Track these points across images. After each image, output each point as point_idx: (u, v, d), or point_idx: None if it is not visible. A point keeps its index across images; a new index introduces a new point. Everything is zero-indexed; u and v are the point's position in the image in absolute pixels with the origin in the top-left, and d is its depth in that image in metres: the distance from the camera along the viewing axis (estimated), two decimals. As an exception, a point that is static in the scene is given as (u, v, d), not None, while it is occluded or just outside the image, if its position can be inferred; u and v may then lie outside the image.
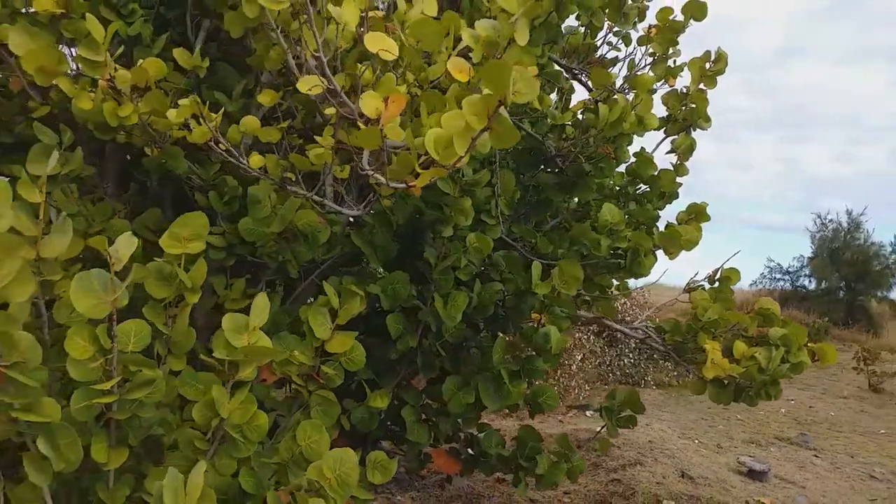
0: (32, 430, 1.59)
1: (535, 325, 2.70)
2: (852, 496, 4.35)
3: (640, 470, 3.90)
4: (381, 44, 1.62)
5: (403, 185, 1.57)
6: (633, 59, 3.15)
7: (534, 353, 2.73)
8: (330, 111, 1.92)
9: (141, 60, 2.10)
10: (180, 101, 2.01)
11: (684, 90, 3.35)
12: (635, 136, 3.04)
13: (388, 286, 2.60)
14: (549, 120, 3.06)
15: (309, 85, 1.65)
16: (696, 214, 3.23)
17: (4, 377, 1.53)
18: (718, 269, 3.27)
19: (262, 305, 1.67)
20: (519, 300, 2.79)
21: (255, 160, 1.97)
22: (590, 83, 3.13)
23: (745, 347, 2.71)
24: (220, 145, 2.01)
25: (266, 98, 2.22)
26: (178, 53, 2.27)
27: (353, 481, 1.74)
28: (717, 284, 3.17)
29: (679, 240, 2.82)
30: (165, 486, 1.40)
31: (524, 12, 1.59)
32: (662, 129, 3.34)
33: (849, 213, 19.66)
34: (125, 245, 1.56)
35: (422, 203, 2.64)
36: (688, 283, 3.27)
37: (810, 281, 20.37)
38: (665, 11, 3.18)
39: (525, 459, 3.03)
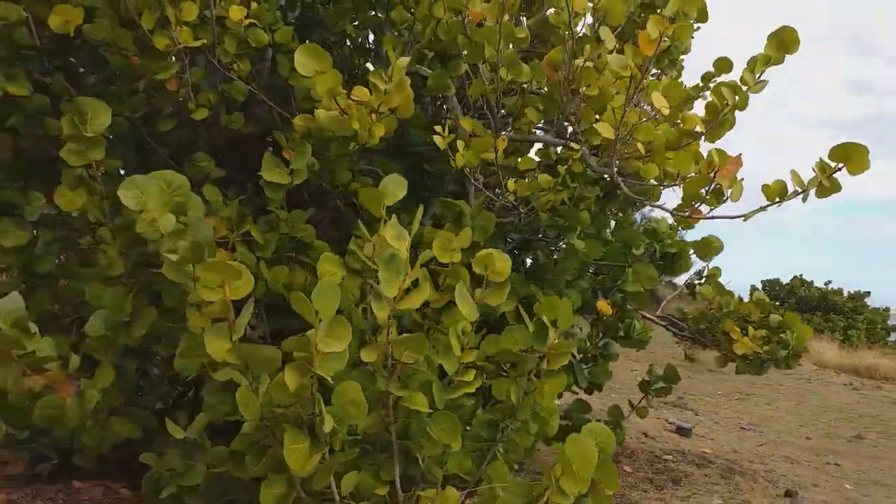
0: (410, 418, 1.83)
1: (616, 317, 3.27)
2: (743, 443, 5.55)
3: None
4: (662, 102, 2.08)
5: (689, 215, 2.04)
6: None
7: (610, 339, 3.31)
8: (576, 145, 2.31)
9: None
10: (437, 127, 2.26)
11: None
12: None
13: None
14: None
15: (608, 132, 2.05)
16: (683, 224, 4.01)
17: (400, 368, 1.77)
18: (705, 267, 4.09)
19: (565, 309, 2.04)
20: (594, 296, 3.34)
21: (510, 185, 2.29)
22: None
23: (752, 330, 3.54)
24: (467, 168, 2.29)
25: (467, 124, 2.51)
26: (375, 76, 2.45)
27: (611, 448, 2.18)
28: (705, 280, 3.98)
29: (712, 246, 3.55)
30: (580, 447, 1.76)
31: (752, 88, 2.16)
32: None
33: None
34: (502, 260, 1.85)
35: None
36: (687, 281, 4.05)
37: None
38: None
39: (577, 429, 3.59)
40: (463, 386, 1.86)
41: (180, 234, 2.00)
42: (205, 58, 2.63)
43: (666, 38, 3.00)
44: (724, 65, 3.45)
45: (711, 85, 3.67)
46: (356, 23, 3.12)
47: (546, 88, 2.62)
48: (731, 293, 3.77)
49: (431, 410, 1.80)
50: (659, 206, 2.14)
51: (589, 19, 2.98)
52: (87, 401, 2.04)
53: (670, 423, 5.57)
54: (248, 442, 1.76)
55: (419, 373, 1.77)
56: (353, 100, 2.13)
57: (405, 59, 2.09)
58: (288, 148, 2.24)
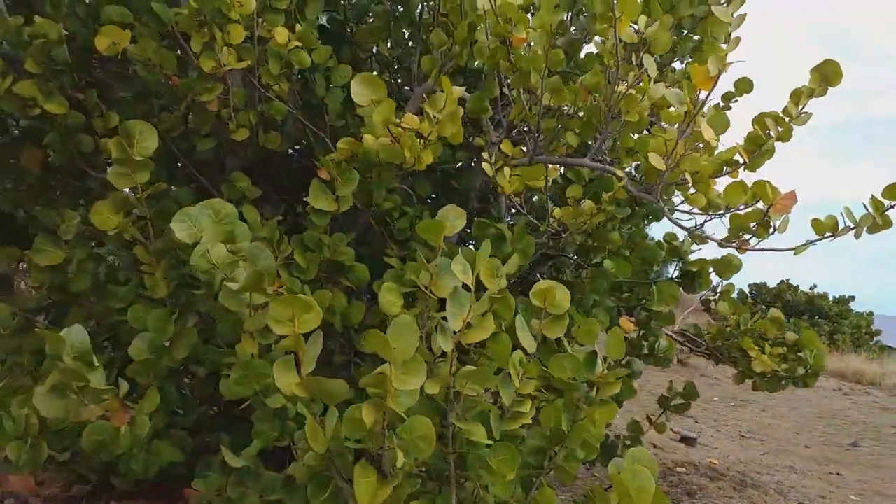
0: (467, 448, 1.85)
1: (639, 336, 3.31)
2: (747, 452, 5.64)
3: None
4: (710, 134, 2.12)
5: (737, 246, 2.08)
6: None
7: (633, 357, 3.36)
8: (621, 173, 2.34)
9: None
10: (485, 154, 2.28)
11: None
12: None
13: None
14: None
15: (658, 163, 2.08)
16: (698, 241, 4.06)
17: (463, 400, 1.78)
18: (719, 283, 4.14)
19: (617, 339, 2.07)
20: (618, 314, 3.37)
21: (557, 212, 2.31)
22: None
23: (769, 348, 3.60)
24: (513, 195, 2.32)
25: (508, 148, 2.53)
26: (430, 106, 2.45)
27: (655, 473, 2.21)
28: (719, 296, 4.04)
29: (732, 265, 3.60)
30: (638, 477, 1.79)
31: (795, 120, 2.20)
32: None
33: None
34: (561, 293, 1.88)
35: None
36: (701, 298, 4.10)
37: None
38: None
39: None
40: (519, 417, 1.88)
41: (234, 263, 2.01)
42: (241, 77, 2.63)
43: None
44: (744, 85, 3.49)
45: (732, 105, 3.72)
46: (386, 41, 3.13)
47: (582, 111, 2.65)
48: (746, 309, 3.83)
49: (490, 441, 1.83)
50: (708, 237, 2.18)
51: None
52: (138, 428, 2.03)
53: (675, 432, 5.64)
54: (311, 473, 1.77)
55: (479, 404, 1.79)
56: (403, 127, 2.14)
57: (460, 90, 2.11)
58: (336, 175, 2.24)
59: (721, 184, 2.30)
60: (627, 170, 3.00)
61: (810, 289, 19.03)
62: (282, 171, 3.39)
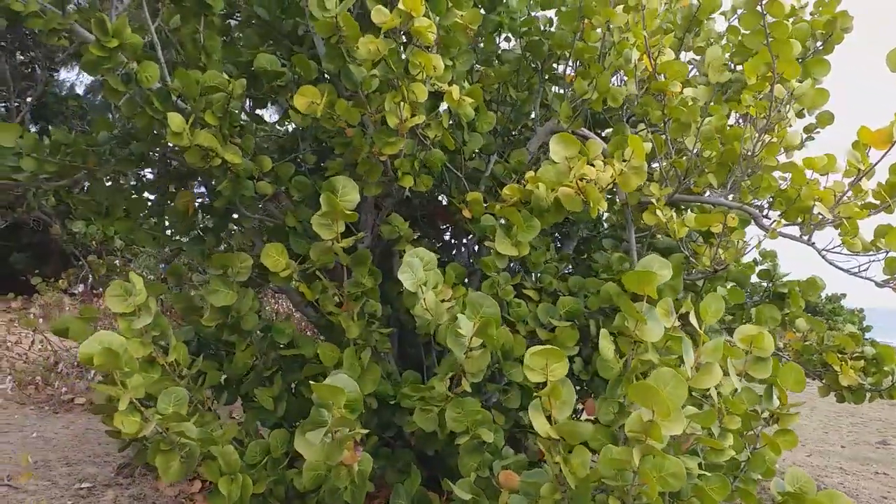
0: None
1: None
2: (794, 454, 5.92)
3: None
4: (868, 185, 2.34)
5: (894, 287, 2.30)
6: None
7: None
8: (776, 217, 2.56)
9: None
10: (654, 202, 2.47)
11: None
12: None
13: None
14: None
15: (825, 212, 2.29)
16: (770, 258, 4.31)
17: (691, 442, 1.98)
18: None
19: (795, 372, 2.28)
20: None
21: (723, 254, 2.51)
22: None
23: (850, 361, 3.86)
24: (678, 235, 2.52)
25: (657, 190, 2.73)
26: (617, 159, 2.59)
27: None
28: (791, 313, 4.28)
29: (817, 286, 3.84)
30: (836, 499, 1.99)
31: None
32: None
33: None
34: (767, 338, 2.08)
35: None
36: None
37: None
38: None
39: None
40: (726, 451, 2.08)
41: (444, 311, 2.19)
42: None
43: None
44: (825, 119, 3.74)
45: (814, 136, 3.96)
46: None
47: (713, 153, 2.85)
48: (822, 324, 4.09)
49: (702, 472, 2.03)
50: (867, 278, 2.40)
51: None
52: (363, 464, 2.20)
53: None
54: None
55: (702, 440, 1.99)
56: (588, 179, 2.33)
57: (648, 145, 2.30)
58: (521, 224, 2.42)
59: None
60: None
61: (802, 286, 19.50)
62: (402, 206, 3.56)
